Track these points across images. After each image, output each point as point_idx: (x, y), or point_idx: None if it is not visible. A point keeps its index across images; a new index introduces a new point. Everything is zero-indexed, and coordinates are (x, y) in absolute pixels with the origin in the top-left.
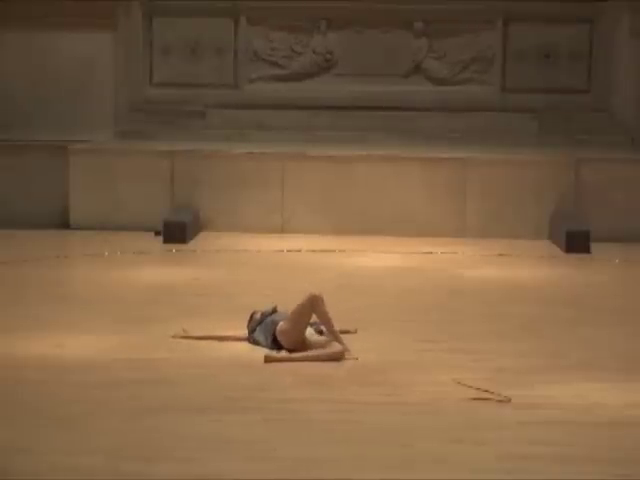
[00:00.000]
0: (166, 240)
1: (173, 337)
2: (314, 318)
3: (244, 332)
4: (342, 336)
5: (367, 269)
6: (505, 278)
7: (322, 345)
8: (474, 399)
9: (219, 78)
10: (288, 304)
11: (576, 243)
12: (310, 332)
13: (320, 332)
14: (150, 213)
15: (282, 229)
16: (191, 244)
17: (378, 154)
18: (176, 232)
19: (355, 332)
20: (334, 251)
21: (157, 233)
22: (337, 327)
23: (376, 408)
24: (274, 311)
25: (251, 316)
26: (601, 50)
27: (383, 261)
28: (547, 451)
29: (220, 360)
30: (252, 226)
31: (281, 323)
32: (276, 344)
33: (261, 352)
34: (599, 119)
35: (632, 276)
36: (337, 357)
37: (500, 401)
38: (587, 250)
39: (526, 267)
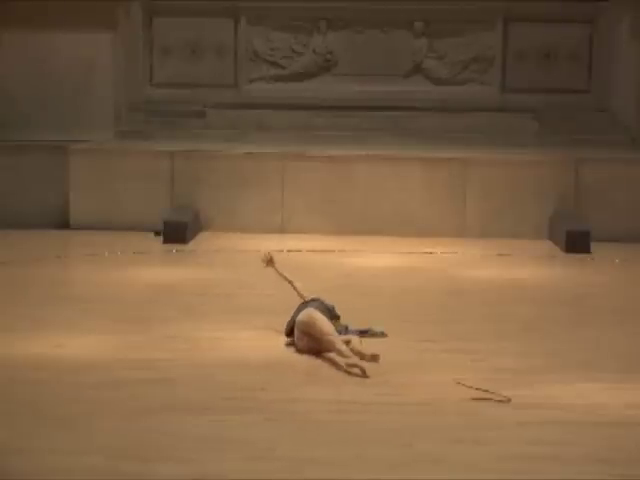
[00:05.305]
0: (166, 240)
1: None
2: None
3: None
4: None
5: (367, 269)
6: (505, 278)
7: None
8: (474, 399)
9: (219, 78)
10: (288, 304)
11: (576, 243)
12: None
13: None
14: (150, 213)
15: (282, 229)
16: (191, 244)
17: (378, 154)
18: (176, 232)
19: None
20: (334, 251)
21: (157, 233)
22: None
23: (376, 408)
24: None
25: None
26: (601, 50)
27: (383, 261)
28: (547, 451)
29: (220, 360)
30: (252, 226)
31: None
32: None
33: (260, 352)
34: (599, 119)
35: (632, 276)
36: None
37: (500, 401)
38: (587, 250)
39: (526, 267)
